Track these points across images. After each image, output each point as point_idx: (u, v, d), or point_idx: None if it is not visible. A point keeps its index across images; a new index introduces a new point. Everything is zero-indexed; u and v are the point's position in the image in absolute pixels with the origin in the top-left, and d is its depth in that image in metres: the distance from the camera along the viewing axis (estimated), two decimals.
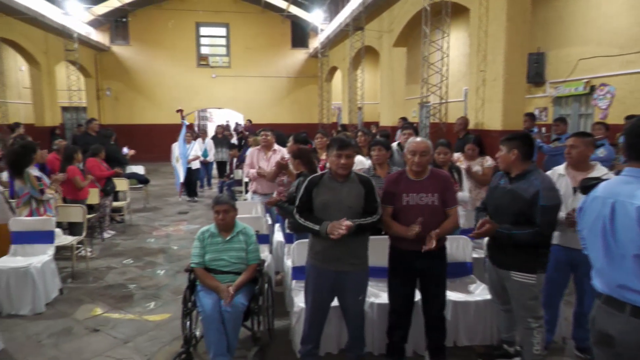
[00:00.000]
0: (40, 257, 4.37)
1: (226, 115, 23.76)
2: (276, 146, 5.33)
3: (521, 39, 6.50)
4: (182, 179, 8.54)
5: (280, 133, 5.47)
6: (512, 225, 2.83)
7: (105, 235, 6.78)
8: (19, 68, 15.43)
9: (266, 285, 3.50)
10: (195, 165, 9.71)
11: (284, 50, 18.99)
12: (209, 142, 10.47)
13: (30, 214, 4.58)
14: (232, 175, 9.13)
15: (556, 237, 3.10)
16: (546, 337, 3.11)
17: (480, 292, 3.65)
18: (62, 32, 13.34)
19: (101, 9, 16.13)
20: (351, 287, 2.99)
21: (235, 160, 9.18)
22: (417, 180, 3.03)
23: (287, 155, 4.85)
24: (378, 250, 3.43)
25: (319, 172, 3.02)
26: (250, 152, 5.48)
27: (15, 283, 4.12)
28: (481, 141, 4.97)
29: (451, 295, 3.44)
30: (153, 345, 3.65)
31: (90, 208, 6.38)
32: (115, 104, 18.03)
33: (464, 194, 4.27)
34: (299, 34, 19.04)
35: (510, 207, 2.88)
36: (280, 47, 18.89)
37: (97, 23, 16.70)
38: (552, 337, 3.49)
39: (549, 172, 3.28)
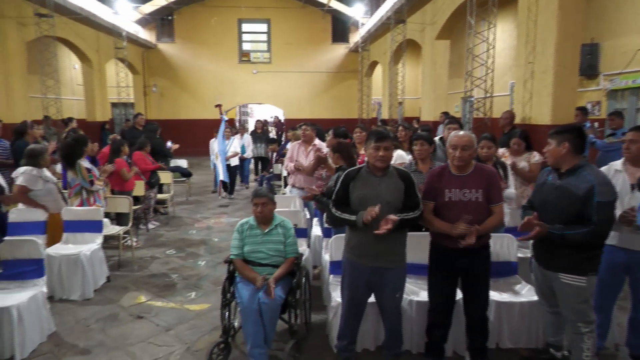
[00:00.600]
0: (89, 246, 4.57)
1: (266, 111, 24.06)
2: (316, 141, 5.32)
3: (574, 28, 6.15)
4: (222, 176, 8.36)
5: (320, 128, 5.45)
6: (563, 225, 2.67)
7: (150, 226, 7.02)
8: (72, 66, 16.23)
9: (304, 279, 3.49)
10: (234, 162, 9.48)
11: (324, 45, 18.96)
12: (247, 138, 10.26)
13: (81, 204, 4.80)
14: (271, 170, 9.22)
15: (611, 237, 2.91)
16: (597, 342, 2.94)
17: (525, 293, 3.49)
18: (112, 31, 13.91)
19: (148, 8, 16.67)
20: (388, 284, 2.94)
21: (274, 154, 9.26)
22: (460, 175, 2.93)
23: (326, 150, 4.83)
24: (418, 247, 3.36)
25: (357, 166, 2.98)
26: (292, 146, 5.50)
27: (67, 269, 4.33)
28: (528, 136, 4.74)
29: (495, 296, 3.31)
30: (193, 333, 3.74)
31: (136, 200, 6.63)
32: (160, 99, 18.64)
33: (509, 191, 4.10)
34: (340, 29, 18.95)
35: (560, 205, 2.72)
36: (321, 42, 18.88)
37: (145, 21, 17.28)
38: (604, 343, 3.28)
39: (604, 168, 3.07)
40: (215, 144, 9.06)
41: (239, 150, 9.64)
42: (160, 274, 5.13)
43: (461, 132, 3.01)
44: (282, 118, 22.49)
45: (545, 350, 3.26)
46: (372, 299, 3.09)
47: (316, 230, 5.20)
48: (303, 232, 4.66)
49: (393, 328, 3.08)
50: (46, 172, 4.77)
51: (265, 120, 18.81)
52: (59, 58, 13.97)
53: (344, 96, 19.06)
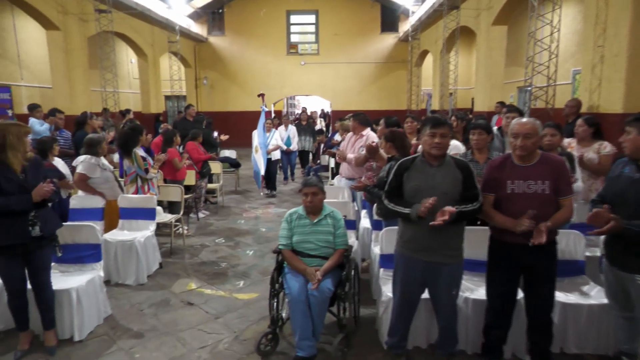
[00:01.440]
0: (143, 233, 4.70)
1: (313, 102, 24.05)
2: (366, 131, 5.17)
3: None
4: (262, 171, 7.96)
5: (364, 115, 5.29)
6: None
7: (200, 215, 7.17)
8: (129, 60, 16.95)
9: (353, 272, 3.39)
10: (276, 155, 8.92)
11: (373, 35, 18.61)
12: (292, 129, 9.58)
13: (136, 192, 4.95)
14: (318, 161, 9.18)
15: None
16: None
17: (595, 294, 3.21)
18: (166, 25, 14.33)
19: (200, 2, 17.04)
20: (444, 280, 2.78)
21: (322, 145, 9.19)
22: (524, 165, 2.71)
23: (376, 140, 4.68)
24: (475, 242, 3.16)
25: (411, 156, 2.82)
26: (347, 136, 5.41)
27: (122, 255, 4.48)
28: (597, 122, 4.33)
29: (560, 297, 3.07)
30: (241, 322, 3.75)
31: (187, 189, 6.77)
32: (211, 92, 19.07)
33: (577, 184, 3.78)
34: (389, 18, 18.52)
35: None
36: (369, 32, 18.55)
37: (196, 16, 17.68)
38: None
39: None
40: (256, 136, 8.68)
41: (281, 143, 9.14)
42: (210, 262, 5.20)
43: (524, 119, 2.78)
44: (328, 110, 22.43)
45: (616, 358, 2.99)
46: (425, 294, 2.95)
47: (364, 222, 5.08)
48: (352, 224, 4.55)
49: (447, 326, 2.92)
50: (104, 161, 4.95)
51: (313, 112, 18.74)
52: (117, 53, 14.61)
53: (393, 87, 18.67)
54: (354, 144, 5.11)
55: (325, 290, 3.07)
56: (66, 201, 4.96)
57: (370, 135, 5.06)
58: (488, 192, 2.77)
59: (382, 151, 4.38)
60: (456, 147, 4.34)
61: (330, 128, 16.34)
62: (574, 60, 9.40)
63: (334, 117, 19.08)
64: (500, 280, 2.84)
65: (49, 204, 3.19)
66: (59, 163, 5.03)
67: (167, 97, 18.17)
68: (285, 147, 9.26)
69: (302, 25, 19.29)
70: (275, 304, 3.27)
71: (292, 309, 3.11)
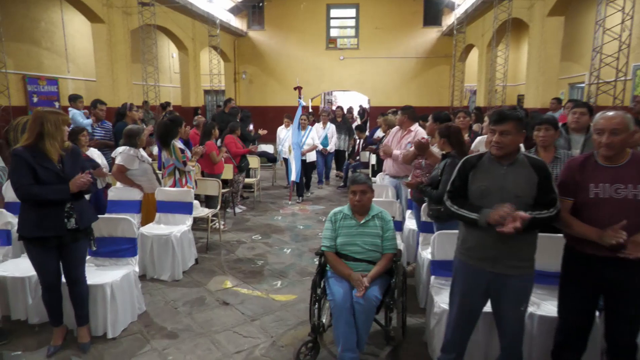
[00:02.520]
0: (179, 227, 4.56)
1: (350, 98, 23.69)
2: (414, 126, 4.84)
3: None
4: (294, 175, 7.13)
5: (413, 109, 4.94)
6: None
7: (237, 210, 7.03)
8: (171, 55, 17.16)
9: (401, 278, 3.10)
10: (311, 157, 7.93)
11: (415, 29, 18.05)
12: (331, 127, 8.58)
13: (174, 185, 4.82)
14: (358, 157, 8.87)
15: None
16: None
17: None
18: (207, 19, 14.37)
19: None
20: (511, 294, 2.43)
21: (361, 141, 8.87)
22: (611, 166, 2.32)
23: (425, 136, 4.34)
24: (544, 251, 2.79)
25: (477, 153, 2.49)
26: (392, 131, 5.10)
27: (158, 249, 4.36)
28: None
29: None
30: (279, 326, 3.53)
31: (225, 183, 6.64)
32: (249, 86, 19.08)
33: None
34: (432, 11, 17.91)
35: None
36: (411, 26, 18.00)
37: (237, 10, 17.70)
38: None
39: None
40: (283, 133, 8.07)
41: (317, 142, 8.05)
42: (246, 259, 5.02)
43: (610, 113, 2.38)
44: (366, 106, 22.02)
45: None
46: (487, 307, 2.61)
47: (410, 224, 4.77)
48: (397, 225, 4.23)
49: (511, 345, 2.57)
50: (142, 152, 4.85)
51: (350, 108, 18.28)
52: (158, 47, 14.78)
53: (434, 83, 18.07)
54: (401, 140, 4.78)
55: (372, 298, 2.80)
56: (102, 192, 4.90)
57: (419, 131, 4.72)
58: (565, 195, 2.41)
59: (433, 148, 4.06)
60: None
61: (368, 125, 15.95)
62: (634, 55, 8.65)
63: (372, 114, 18.70)
64: (576, 297, 2.47)
65: (86, 196, 3.06)
66: (94, 153, 4.98)
67: (207, 92, 18.31)
68: (321, 147, 8.29)
69: (342, 20, 18.95)
70: (316, 310, 3.01)
71: (335, 316, 2.85)
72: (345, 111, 11.19)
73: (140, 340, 3.31)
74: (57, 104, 11.21)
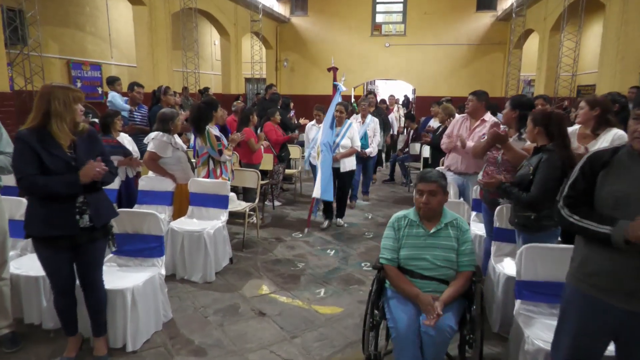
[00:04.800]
0: (213, 223, 4.10)
1: (392, 88, 22.72)
2: (487, 115, 4.13)
3: None
4: (317, 191, 4.83)
5: (486, 94, 4.22)
6: None
7: (276, 203, 6.55)
8: (213, 42, 16.91)
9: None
10: (350, 164, 5.38)
11: (467, 14, 16.90)
12: (373, 122, 6.39)
13: (207, 175, 4.37)
14: (407, 149, 8.16)
15: None
16: None
17: None
18: (249, 4, 13.93)
19: None
20: None
21: (412, 132, 8.15)
22: None
23: (502, 126, 3.64)
24: None
25: (607, 147, 1.81)
26: (454, 121, 4.40)
27: (189, 247, 3.91)
28: None
29: None
30: (323, 347, 2.98)
31: (264, 174, 6.16)
32: (291, 74, 18.58)
33: None
34: None
35: None
36: (463, 11, 16.86)
37: None
38: None
39: None
40: (313, 132, 5.59)
41: (356, 143, 5.42)
42: (286, 260, 4.51)
43: None
44: (410, 96, 21.05)
45: None
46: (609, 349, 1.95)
47: (476, 228, 4.09)
48: None
49: None
50: (177, 139, 4.41)
51: (391, 97, 16.32)
52: (201, 35, 14.52)
53: (487, 71, 16.89)
54: (472, 132, 4.08)
55: (445, 329, 2.19)
56: (132, 181, 4.51)
57: (494, 121, 4.02)
58: None
59: (512, 140, 3.36)
60: (620, 137, 3.19)
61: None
62: None
63: (417, 104, 17.78)
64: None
65: (102, 188, 2.61)
66: (125, 139, 4.58)
67: (247, 80, 17.97)
68: (360, 151, 5.72)
69: (389, 5, 18.05)
70: (373, 337, 2.43)
71: (397, 348, 2.27)
72: (378, 100, 9.60)
73: (164, 356, 2.86)
74: (100, 89, 11.15)
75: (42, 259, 2.53)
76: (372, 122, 6.40)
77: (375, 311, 2.43)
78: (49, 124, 2.36)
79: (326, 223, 5.51)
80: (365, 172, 6.71)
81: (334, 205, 5.52)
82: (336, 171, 5.19)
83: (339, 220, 5.59)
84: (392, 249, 2.47)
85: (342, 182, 5.40)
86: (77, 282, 2.67)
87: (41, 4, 8.92)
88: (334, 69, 6.38)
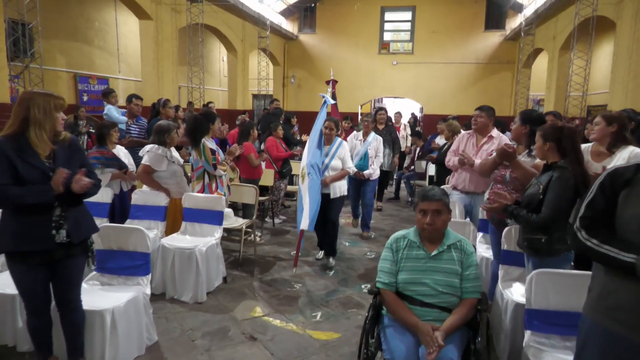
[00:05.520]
0: (206, 240, 3.92)
1: (399, 106, 22.61)
2: (494, 131, 3.95)
3: None
4: (305, 221, 3.99)
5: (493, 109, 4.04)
6: None
7: (277, 220, 6.37)
8: (221, 58, 17.00)
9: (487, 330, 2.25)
10: (342, 189, 4.62)
11: (475, 33, 16.87)
12: (376, 140, 5.54)
13: (202, 190, 4.21)
14: (412, 167, 7.97)
15: None
16: None
17: None
18: (257, 20, 14.00)
19: None
20: None
21: (417, 149, 7.97)
22: None
23: (511, 143, 3.46)
24: None
25: (630, 164, 1.61)
26: (459, 137, 4.21)
27: (180, 265, 3.73)
28: None
29: None
30: None
31: (265, 190, 6.00)
32: (298, 91, 18.59)
33: None
34: (495, 14, 16.69)
35: None
36: (471, 30, 16.84)
37: (288, 12, 17.31)
38: None
39: None
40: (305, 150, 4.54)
41: (351, 165, 4.68)
42: (282, 280, 4.31)
43: None
44: (418, 114, 20.93)
45: None
46: None
47: (482, 250, 3.88)
48: None
49: None
50: (173, 152, 4.28)
51: (397, 114, 14.77)
52: (209, 50, 14.61)
53: (495, 90, 16.75)
54: (479, 149, 3.88)
55: None
56: (127, 195, 4.37)
57: (502, 138, 3.83)
58: None
59: (522, 157, 3.18)
60: (637, 155, 2.99)
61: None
62: None
63: (425, 122, 17.63)
64: None
65: (82, 201, 2.45)
66: (121, 151, 4.45)
67: (255, 96, 18.01)
68: (353, 171, 4.81)
69: (397, 23, 18.09)
70: None
71: None
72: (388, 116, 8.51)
73: None
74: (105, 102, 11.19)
75: (14, 276, 2.36)
76: (375, 140, 5.54)
77: (371, 340, 2.22)
78: (27, 131, 2.22)
79: (321, 253, 4.86)
80: (363, 198, 5.64)
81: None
82: (325, 197, 4.34)
83: (330, 259, 4.66)
84: (390, 272, 2.27)
85: (332, 211, 4.53)
86: (53, 301, 2.50)
87: (50, 18, 9.00)
88: (332, 82, 5.93)
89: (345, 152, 4.60)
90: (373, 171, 5.48)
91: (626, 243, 1.48)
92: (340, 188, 4.59)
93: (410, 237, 2.31)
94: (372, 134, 5.61)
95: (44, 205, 2.24)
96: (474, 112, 4.03)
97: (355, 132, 5.94)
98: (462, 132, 4.37)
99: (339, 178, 4.54)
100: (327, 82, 5.97)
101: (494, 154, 3.29)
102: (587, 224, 1.59)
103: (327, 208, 4.45)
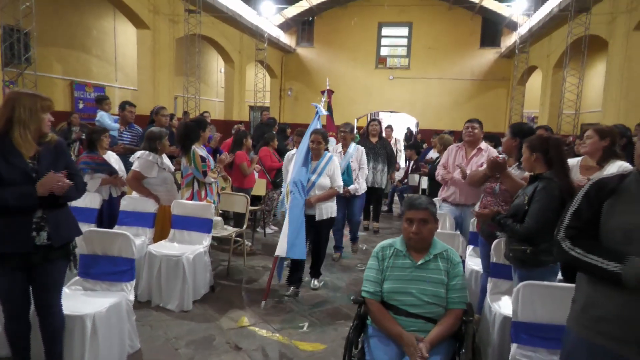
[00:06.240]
0: (194, 247, 3.88)
1: (396, 120, 22.75)
2: (483, 144, 3.96)
3: None
4: (283, 249, 3.58)
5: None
6: None
7: (268, 230, 6.33)
8: (219, 70, 17.09)
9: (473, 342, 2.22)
10: (330, 210, 4.11)
11: (471, 50, 17.09)
12: (358, 151, 5.10)
13: (191, 198, 4.17)
14: (406, 180, 7.98)
15: None
16: None
17: None
18: (255, 33, 14.12)
19: (292, 11, 16.77)
20: None
21: (411, 163, 7.99)
22: None
23: (501, 155, 3.46)
24: None
25: (615, 174, 1.61)
26: (448, 150, 4.22)
27: (166, 272, 3.68)
28: None
29: None
30: None
31: (258, 199, 5.98)
32: (294, 103, 18.68)
33: None
34: (490, 31, 16.94)
35: None
36: (467, 47, 17.06)
37: (287, 26, 17.49)
38: None
39: None
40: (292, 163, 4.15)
41: (340, 183, 4.15)
42: (271, 290, 4.24)
43: None
44: (414, 129, 21.04)
45: None
46: None
47: (472, 262, 3.85)
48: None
49: None
50: (164, 159, 4.26)
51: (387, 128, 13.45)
52: (207, 62, 14.68)
53: (490, 107, 16.90)
54: (469, 162, 3.89)
55: None
56: (116, 201, 4.33)
57: (491, 151, 3.85)
58: None
59: (512, 170, 3.18)
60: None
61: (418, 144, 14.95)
62: None
63: (420, 137, 17.70)
64: None
65: (66, 204, 2.42)
66: (111, 157, 4.43)
67: (251, 108, 18.08)
68: (340, 191, 4.28)
69: (394, 39, 18.30)
70: None
71: None
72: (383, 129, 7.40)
73: None
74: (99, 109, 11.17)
75: None
76: (357, 151, 5.08)
77: (355, 350, 2.18)
78: (11, 131, 2.20)
79: (291, 289, 4.09)
80: (350, 216, 5.24)
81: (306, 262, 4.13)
82: (310, 219, 3.87)
83: (314, 281, 4.30)
84: (375, 281, 2.24)
85: (318, 235, 4.13)
86: (33, 305, 2.45)
87: (48, 25, 9.03)
88: (328, 92, 5.63)
89: (335, 169, 4.10)
90: (359, 185, 5.02)
91: (611, 252, 1.47)
92: (328, 209, 4.06)
93: (396, 246, 2.29)
94: (353, 145, 5.13)
95: (23, 206, 2.20)
96: (464, 124, 4.04)
97: (334, 144, 5.44)
98: (452, 145, 4.36)
99: (326, 198, 4.01)
100: (323, 92, 5.50)
101: (485, 165, 3.29)
102: (572, 234, 1.57)
103: (312, 231, 4.00)
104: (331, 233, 4.61)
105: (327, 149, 4.27)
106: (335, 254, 5.26)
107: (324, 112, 4.46)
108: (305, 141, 4.06)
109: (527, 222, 2.37)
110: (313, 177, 3.99)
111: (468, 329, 2.15)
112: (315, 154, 4.05)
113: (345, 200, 4.99)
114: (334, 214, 4.19)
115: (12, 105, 2.20)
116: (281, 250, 3.61)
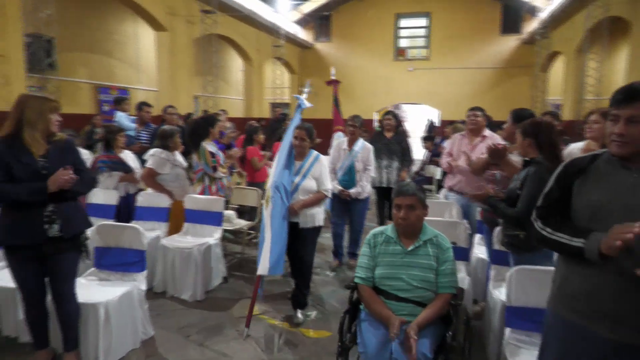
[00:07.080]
0: (206, 240, 4.02)
1: (417, 111, 22.53)
2: (487, 131, 3.96)
3: None
4: (266, 265, 3.16)
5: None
6: None
7: None
8: (239, 69, 17.30)
9: (463, 327, 2.26)
10: (312, 218, 3.46)
11: (491, 37, 16.71)
12: (365, 148, 4.57)
13: (202, 192, 4.32)
14: (421, 172, 7.95)
15: None
16: None
17: None
18: (272, 30, 14.22)
19: (308, 7, 16.80)
20: None
21: (428, 153, 7.95)
22: None
23: (502, 142, 3.45)
24: None
25: (586, 154, 1.62)
26: (452, 139, 4.23)
27: (180, 264, 3.84)
28: None
29: None
30: None
31: None
32: (314, 99, 18.53)
33: None
34: (511, 18, 16.49)
35: None
36: (487, 35, 16.68)
37: (304, 22, 17.52)
38: None
39: None
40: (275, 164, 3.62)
41: (329, 186, 3.55)
42: (283, 280, 4.36)
43: None
44: (435, 121, 20.79)
45: None
46: None
47: (479, 251, 3.86)
48: (463, 253, 3.37)
49: None
50: (177, 156, 4.42)
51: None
52: (228, 61, 14.86)
53: (512, 95, 16.48)
54: (473, 149, 3.89)
55: (418, 357, 1.99)
56: (132, 198, 4.52)
57: (495, 137, 3.84)
58: None
59: (512, 156, 3.17)
60: None
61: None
62: None
63: (442, 128, 17.52)
64: None
65: (75, 198, 2.58)
66: (128, 156, 4.61)
67: (273, 105, 18.26)
68: (337, 189, 4.36)
69: (412, 30, 18.10)
70: None
71: None
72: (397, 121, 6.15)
73: None
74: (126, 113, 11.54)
75: (10, 268, 2.51)
76: (364, 149, 4.52)
77: (347, 335, 2.26)
78: (21, 132, 2.37)
79: (299, 315, 3.53)
80: (351, 223, 4.63)
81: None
82: (293, 228, 3.33)
83: (298, 313, 3.51)
84: (367, 267, 2.31)
85: (302, 247, 3.44)
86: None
87: (71, 31, 9.39)
88: (334, 82, 5.00)
89: (322, 169, 3.48)
90: (362, 189, 4.44)
91: (577, 229, 1.49)
92: (314, 217, 3.43)
93: (387, 233, 2.34)
94: (360, 142, 4.57)
95: (35, 201, 2.37)
96: (467, 112, 4.03)
97: (342, 138, 5.06)
98: (456, 134, 4.36)
99: (311, 203, 3.39)
100: (328, 83, 5.09)
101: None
102: (542, 214, 1.60)
103: (296, 242, 3.37)
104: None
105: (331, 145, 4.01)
106: (334, 262, 4.71)
107: (307, 104, 3.92)
108: (287, 138, 3.48)
109: (518, 206, 2.38)
110: (297, 179, 3.39)
111: (458, 312, 2.19)
112: (298, 152, 3.45)
113: (345, 203, 4.50)
114: (321, 223, 3.54)
115: (21, 107, 2.37)
116: (263, 269, 3.16)
